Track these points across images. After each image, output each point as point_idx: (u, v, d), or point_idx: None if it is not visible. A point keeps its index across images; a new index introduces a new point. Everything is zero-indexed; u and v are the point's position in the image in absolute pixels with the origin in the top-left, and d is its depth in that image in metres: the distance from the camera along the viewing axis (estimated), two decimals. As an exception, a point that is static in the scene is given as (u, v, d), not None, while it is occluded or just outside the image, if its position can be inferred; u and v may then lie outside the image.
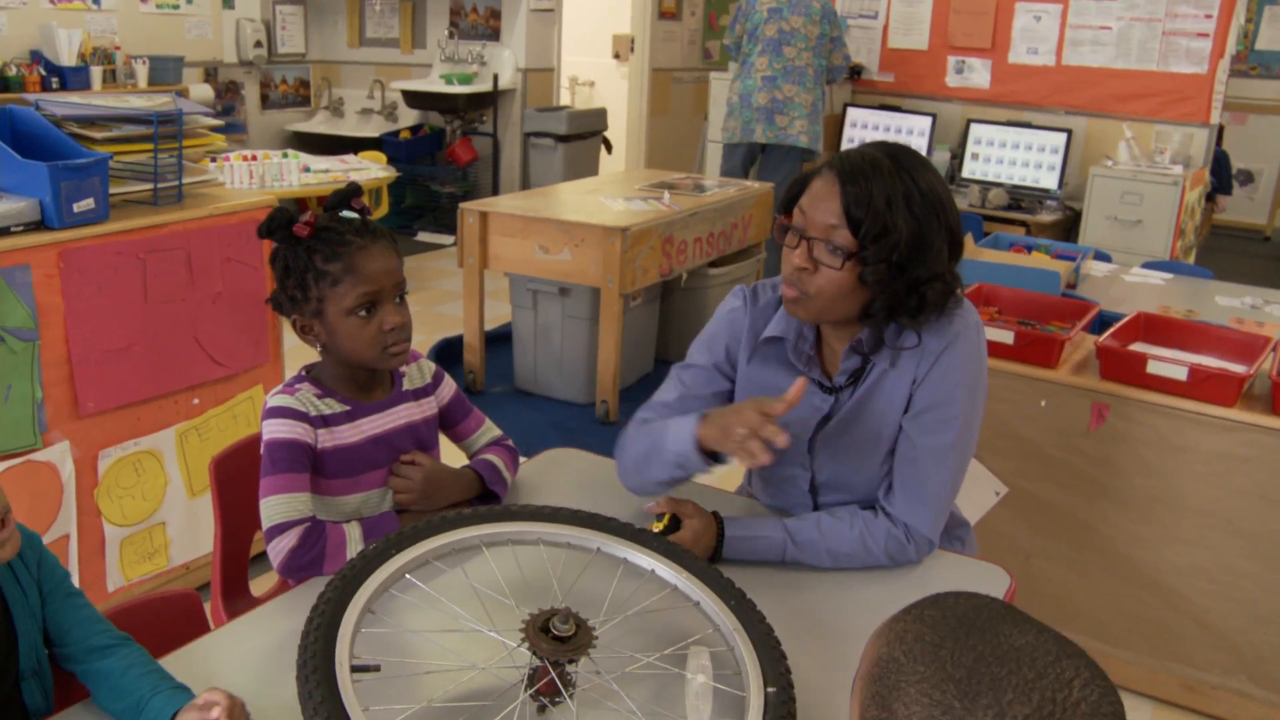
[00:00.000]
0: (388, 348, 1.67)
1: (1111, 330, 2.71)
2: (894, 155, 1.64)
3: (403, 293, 1.70)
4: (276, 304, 1.73)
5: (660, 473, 1.72)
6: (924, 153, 5.91)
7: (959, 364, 1.71)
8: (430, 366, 1.87)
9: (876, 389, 1.75)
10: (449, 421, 1.89)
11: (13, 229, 2.38)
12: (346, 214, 1.69)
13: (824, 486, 1.84)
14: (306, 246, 1.65)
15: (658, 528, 1.66)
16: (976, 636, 0.82)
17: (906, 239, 1.60)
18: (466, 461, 1.88)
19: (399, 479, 1.74)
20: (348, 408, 1.72)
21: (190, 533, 2.91)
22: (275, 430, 1.65)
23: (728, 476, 3.86)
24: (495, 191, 7.42)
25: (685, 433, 1.65)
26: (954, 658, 0.80)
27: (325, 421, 1.69)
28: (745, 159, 5.95)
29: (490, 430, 1.93)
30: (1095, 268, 4.08)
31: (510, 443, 1.94)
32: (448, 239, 7.30)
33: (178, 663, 1.41)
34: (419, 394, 1.82)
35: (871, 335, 1.71)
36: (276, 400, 1.69)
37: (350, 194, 1.71)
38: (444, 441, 1.89)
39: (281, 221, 1.66)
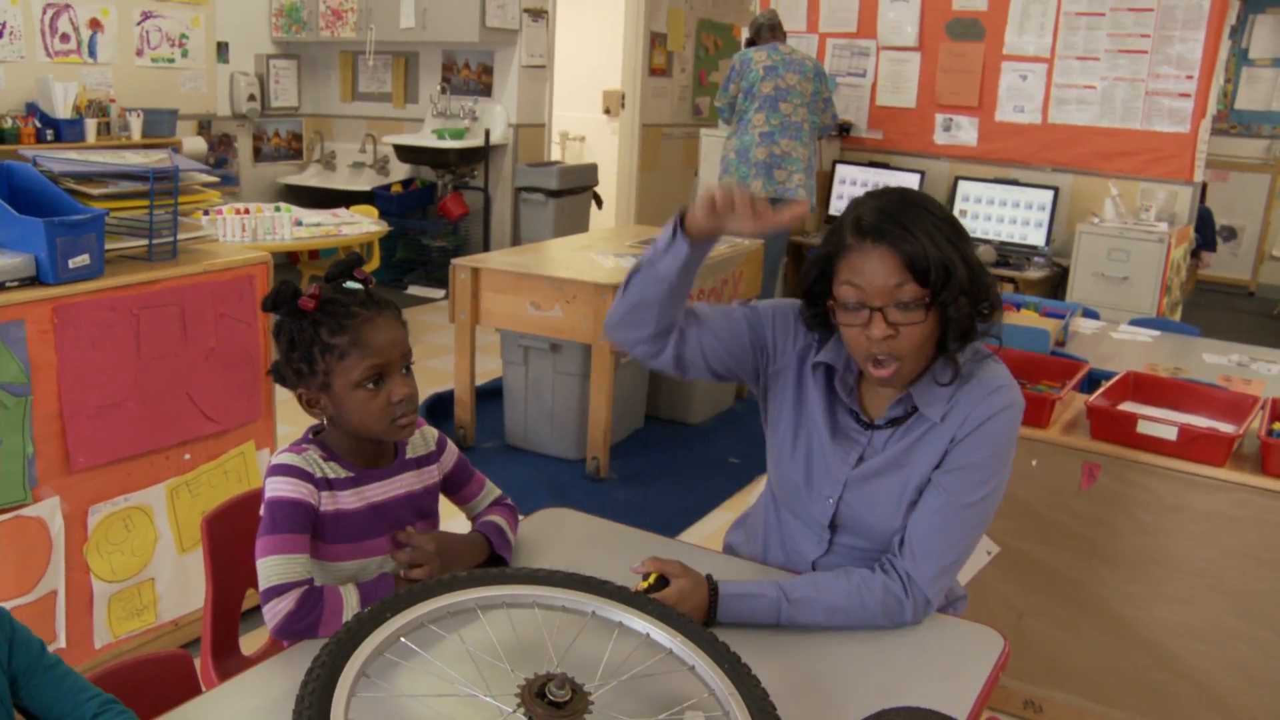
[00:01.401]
0: (396, 419, 1.67)
1: (1102, 390, 2.73)
2: (904, 197, 1.68)
3: (409, 363, 1.70)
4: (280, 377, 1.72)
5: (647, 286, 1.77)
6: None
7: (1003, 433, 1.74)
8: (433, 434, 1.86)
9: (917, 439, 1.77)
10: (452, 487, 1.88)
11: (7, 284, 2.38)
12: (350, 284, 1.69)
13: (843, 527, 1.84)
14: (312, 320, 1.65)
15: (643, 586, 1.65)
16: None
17: (961, 264, 1.64)
18: (466, 522, 1.88)
19: (412, 551, 1.71)
20: (352, 474, 1.71)
21: (179, 589, 2.89)
22: (279, 489, 1.64)
23: (714, 535, 3.87)
24: (486, 246, 7.46)
25: (669, 225, 1.73)
26: None
27: (329, 485, 1.68)
28: None
29: (491, 491, 1.92)
30: (1083, 325, 4.11)
31: (509, 501, 1.94)
32: (438, 293, 7.32)
33: (168, 726, 1.40)
34: (421, 462, 1.81)
35: (947, 366, 1.73)
36: (283, 458, 1.68)
37: (352, 264, 1.71)
38: (444, 504, 1.89)
39: (286, 295, 1.66)
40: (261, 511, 1.65)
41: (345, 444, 1.73)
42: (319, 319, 1.65)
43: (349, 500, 1.70)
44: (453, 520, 1.86)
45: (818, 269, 1.74)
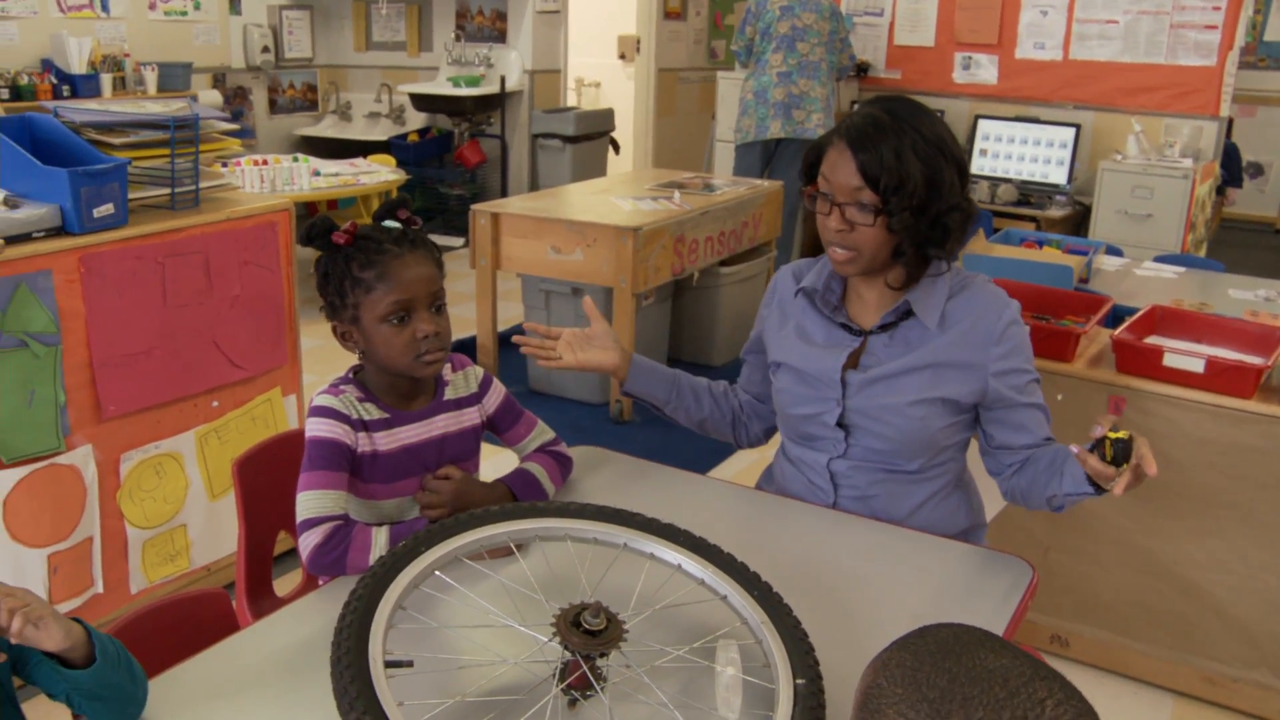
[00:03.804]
0: (421, 355, 1.69)
1: (1127, 324, 2.72)
2: (892, 111, 1.80)
3: (440, 301, 1.72)
4: (323, 310, 1.77)
5: (677, 420, 2.15)
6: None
7: (1023, 334, 1.90)
8: (478, 374, 1.87)
9: (918, 343, 1.88)
10: (499, 428, 1.89)
11: (34, 235, 2.39)
12: (389, 223, 1.72)
13: (855, 428, 1.92)
14: (345, 254, 1.68)
15: (1114, 436, 1.59)
16: (952, 660, 0.85)
17: (921, 183, 1.76)
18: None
19: (428, 494, 1.74)
20: (387, 415, 1.73)
21: (211, 534, 2.93)
22: (316, 429, 1.69)
23: (740, 474, 3.89)
24: (504, 193, 7.44)
25: None
26: (929, 680, 0.84)
27: (365, 426, 1.72)
28: (760, 159, 5.95)
29: (543, 434, 1.93)
30: (1107, 262, 4.08)
31: (561, 447, 1.94)
32: (457, 241, 7.32)
33: (208, 661, 1.42)
34: (460, 404, 1.82)
35: (903, 272, 1.87)
36: (321, 400, 1.72)
37: (397, 205, 1.75)
38: (494, 446, 1.89)
39: (322, 229, 1.70)
40: (305, 448, 1.69)
41: (381, 382, 1.75)
42: (351, 253, 1.68)
43: (384, 442, 1.73)
44: (489, 461, 1.88)
45: (816, 153, 1.88)
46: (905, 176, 1.74)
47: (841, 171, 1.79)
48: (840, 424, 1.92)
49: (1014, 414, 1.88)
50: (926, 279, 1.88)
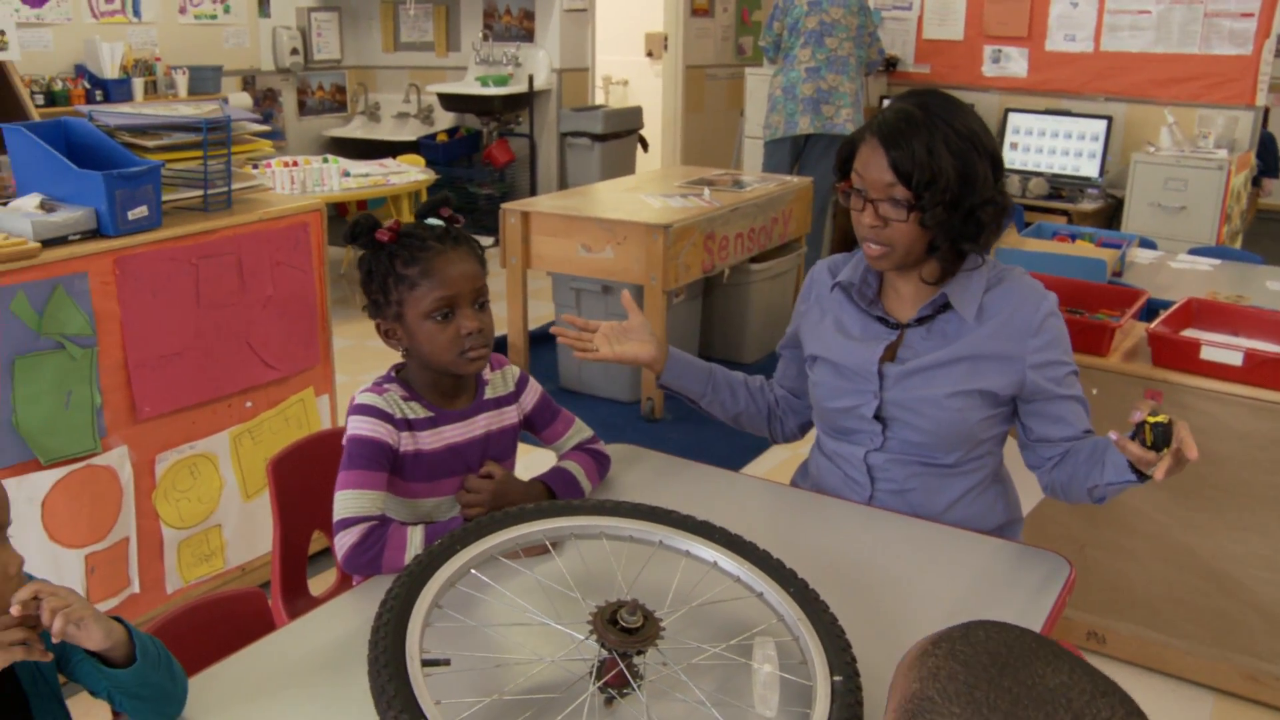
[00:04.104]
0: (465, 352, 1.69)
1: (1163, 317, 2.69)
2: (924, 105, 1.79)
3: (483, 298, 1.72)
4: (367, 309, 1.77)
5: (713, 414, 2.17)
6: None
7: (1061, 326, 1.89)
8: (514, 372, 1.87)
9: (955, 336, 1.87)
10: (536, 426, 1.89)
11: (70, 238, 2.42)
12: (432, 221, 1.72)
13: (892, 420, 1.91)
14: (388, 252, 1.69)
15: (1154, 420, 1.58)
16: (1011, 677, 0.82)
17: (954, 178, 1.75)
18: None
19: (468, 493, 1.74)
20: (431, 414, 1.74)
21: (246, 534, 2.95)
22: (359, 427, 1.68)
23: (774, 471, 3.87)
24: (533, 192, 7.45)
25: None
26: (989, 700, 0.81)
27: (409, 425, 1.72)
28: (790, 155, 5.93)
29: (580, 432, 1.93)
30: (1141, 255, 4.04)
31: (599, 445, 1.94)
32: (487, 240, 7.32)
33: (246, 660, 1.43)
34: (500, 403, 1.82)
35: (938, 267, 1.87)
36: (364, 398, 1.72)
37: (439, 203, 1.75)
38: (530, 445, 1.89)
39: (366, 227, 1.70)
40: (344, 446, 1.69)
41: (424, 380, 1.75)
42: (394, 251, 1.68)
43: (428, 441, 1.73)
44: (527, 458, 1.88)
45: (849, 149, 1.88)
46: (938, 171, 1.74)
47: (874, 167, 1.79)
48: (878, 416, 1.91)
49: (1052, 406, 1.87)
50: (963, 273, 1.88)
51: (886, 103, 6.30)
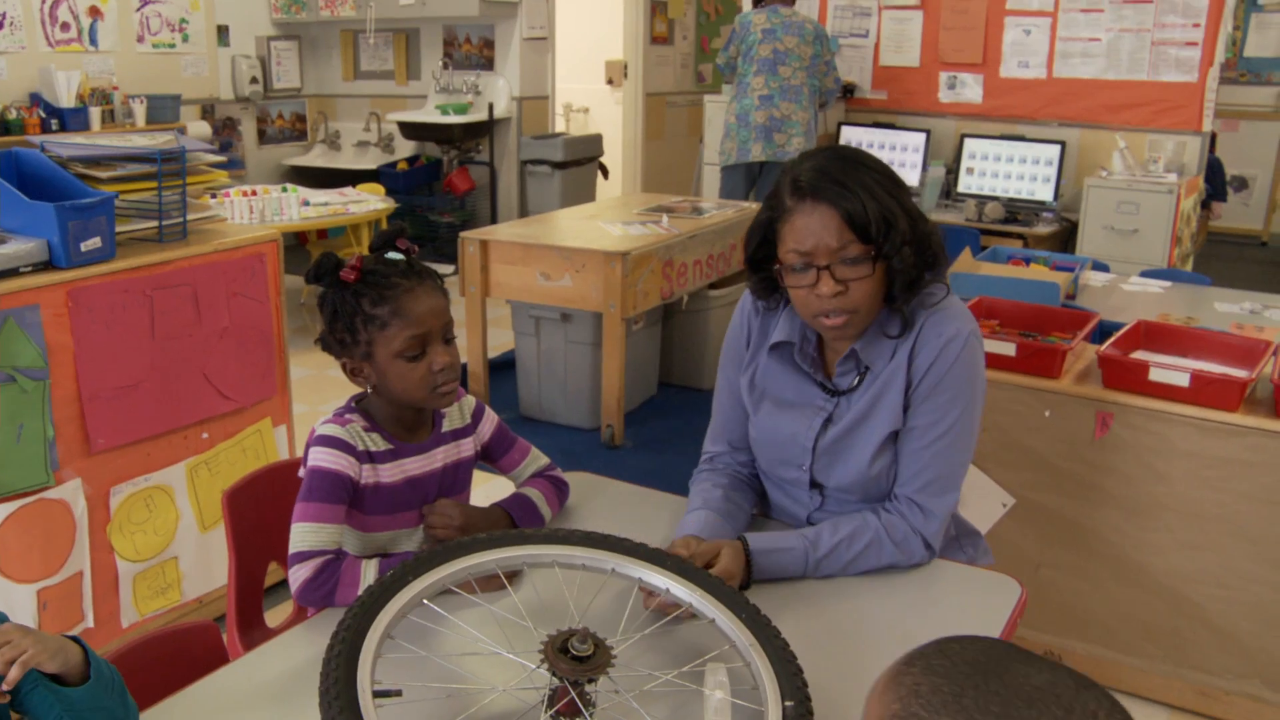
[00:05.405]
0: (437, 388, 1.69)
1: (1113, 339, 2.73)
2: (839, 154, 1.70)
3: (451, 333, 1.72)
4: (325, 346, 1.75)
5: None
6: (919, 169, 5.99)
7: (956, 357, 1.75)
8: (471, 404, 1.87)
9: (881, 390, 1.78)
10: (493, 455, 1.89)
11: (21, 269, 2.40)
12: (392, 255, 1.70)
13: (826, 484, 1.85)
14: (354, 290, 1.67)
15: None
16: (996, 680, 0.82)
17: (904, 216, 1.67)
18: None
19: (439, 516, 1.74)
20: (392, 446, 1.73)
21: (202, 567, 2.93)
22: (320, 459, 1.67)
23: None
24: (494, 220, 7.45)
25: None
26: (980, 704, 0.80)
27: (370, 457, 1.71)
28: (745, 181, 5.98)
29: (536, 460, 1.93)
30: (1093, 278, 4.10)
31: (557, 473, 1.93)
32: (448, 268, 7.32)
33: (198, 694, 1.42)
34: (458, 435, 1.82)
35: (893, 317, 1.76)
36: (326, 429, 1.70)
37: (394, 234, 1.73)
38: (488, 474, 1.89)
39: (328, 266, 1.68)
40: (301, 474, 1.68)
41: (387, 413, 1.75)
42: (360, 290, 1.67)
43: (388, 473, 1.72)
44: (484, 487, 1.88)
45: (760, 234, 1.75)
46: (890, 213, 1.65)
47: (817, 232, 1.65)
48: (813, 484, 1.87)
49: (904, 447, 1.79)
50: (875, 324, 1.77)
51: (845, 129, 6.38)
